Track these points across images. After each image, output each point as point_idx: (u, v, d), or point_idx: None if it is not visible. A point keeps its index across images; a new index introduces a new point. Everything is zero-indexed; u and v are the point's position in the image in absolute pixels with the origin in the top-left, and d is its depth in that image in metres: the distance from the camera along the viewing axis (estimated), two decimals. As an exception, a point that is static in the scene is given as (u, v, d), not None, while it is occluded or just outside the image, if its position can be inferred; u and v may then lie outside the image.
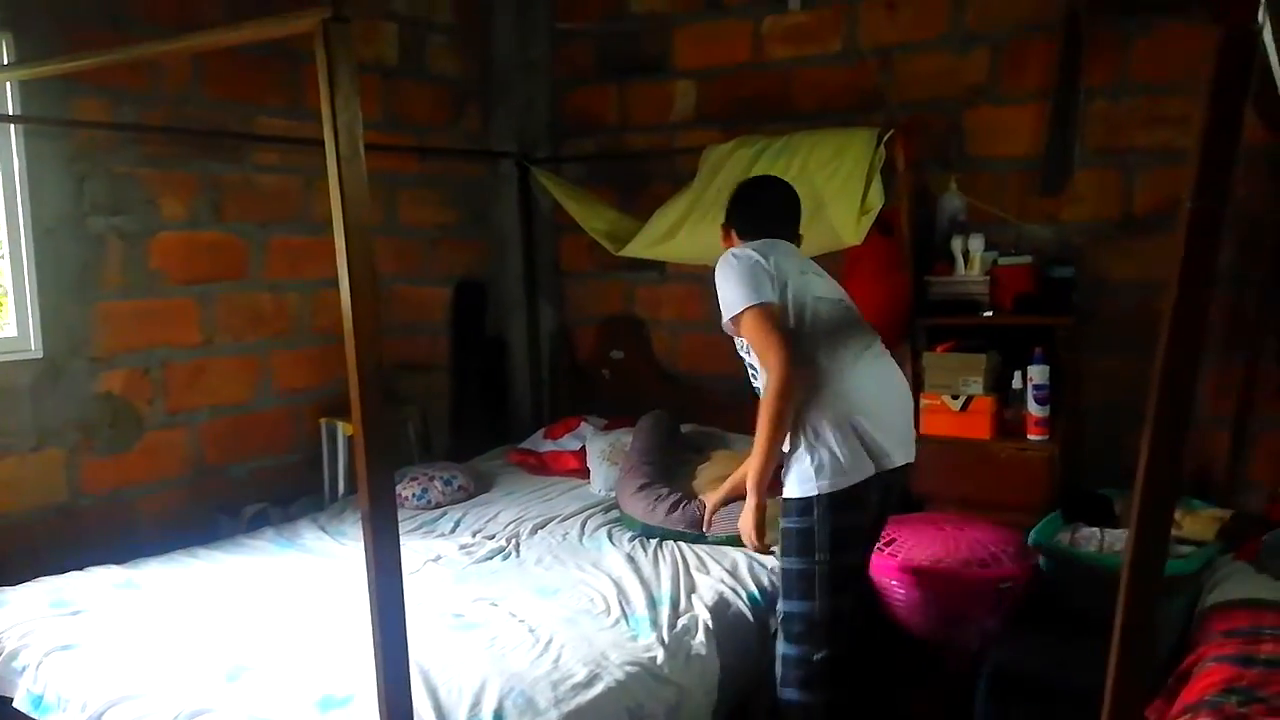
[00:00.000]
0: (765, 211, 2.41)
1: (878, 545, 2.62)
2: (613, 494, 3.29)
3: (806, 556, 2.20)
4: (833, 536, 2.19)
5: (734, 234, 2.41)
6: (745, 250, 2.26)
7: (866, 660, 2.55)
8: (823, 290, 2.32)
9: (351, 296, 1.39)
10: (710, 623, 2.32)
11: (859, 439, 2.19)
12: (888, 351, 2.39)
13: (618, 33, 3.89)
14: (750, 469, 2.24)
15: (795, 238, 2.43)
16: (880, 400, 2.27)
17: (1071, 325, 2.97)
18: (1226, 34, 1.01)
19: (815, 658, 2.23)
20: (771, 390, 2.15)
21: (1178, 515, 2.69)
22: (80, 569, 2.54)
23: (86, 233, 2.77)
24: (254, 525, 3.08)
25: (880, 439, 2.22)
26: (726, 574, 2.57)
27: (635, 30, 3.86)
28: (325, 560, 2.70)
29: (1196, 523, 2.68)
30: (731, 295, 2.20)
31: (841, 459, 2.17)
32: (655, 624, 2.27)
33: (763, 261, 2.22)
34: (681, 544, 2.76)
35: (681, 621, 2.30)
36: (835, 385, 2.21)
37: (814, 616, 2.22)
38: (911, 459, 2.35)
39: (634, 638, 2.21)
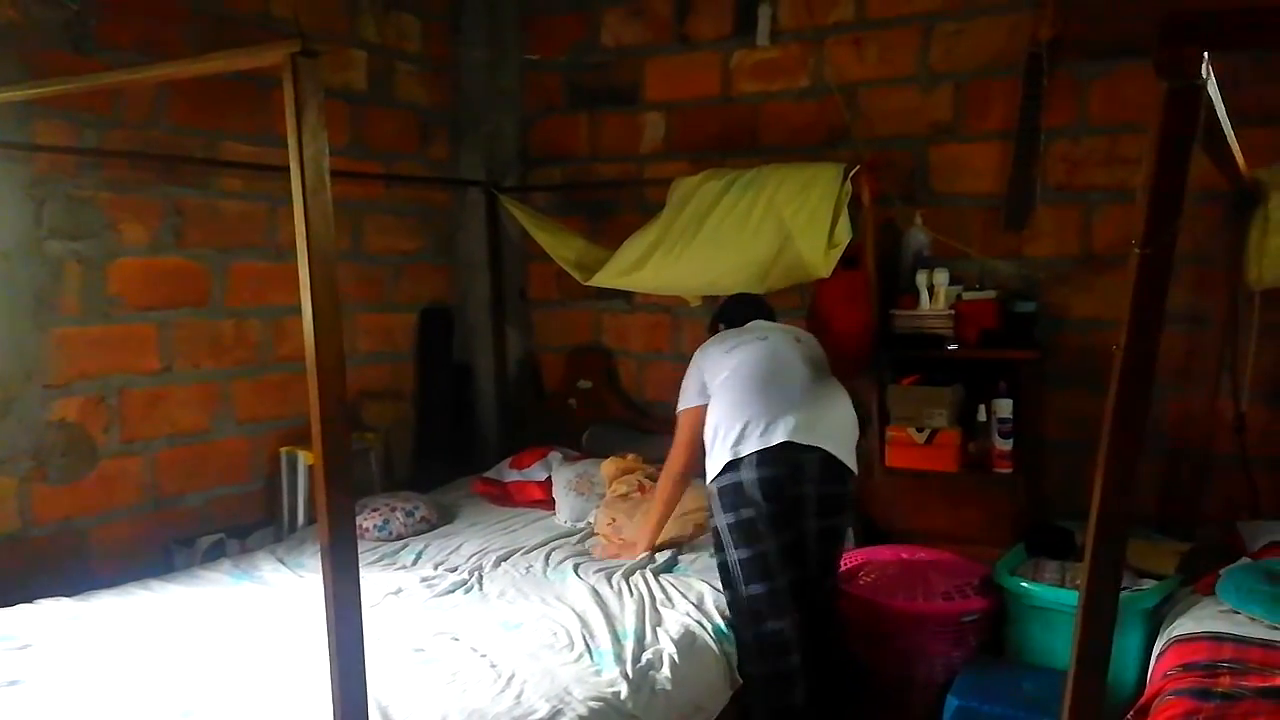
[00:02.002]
0: (751, 305, 2.95)
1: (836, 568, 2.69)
2: (579, 525, 3.27)
3: (719, 552, 2.52)
4: (730, 531, 2.47)
5: (720, 326, 2.93)
6: (706, 346, 2.78)
7: (830, 691, 2.55)
8: (762, 354, 2.65)
9: (315, 330, 1.37)
10: (675, 656, 2.30)
11: (740, 434, 2.49)
12: (832, 386, 2.68)
13: (588, 64, 3.92)
14: (641, 539, 2.89)
15: (767, 314, 2.92)
16: (783, 410, 2.50)
17: (1034, 360, 3.01)
18: (1171, 89, 1.04)
19: (743, 640, 2.47)
20: (668, 476, 2.81)
21: (1138, 548, 2.72)
22: (29, 601, 2.47)
23: (44, 257, 2.72)
24: (210, 557, 3.02)
25: (766, 428, 2.47)
26: (693, 607, 2.56)
27: (605, 62, 3.89)
28: (283, 593, 2.65)
29: (1156, 555, 2.71)
30: (681, 393, 2.79)
31: (724, 449, 2.50)
32: (619, 658, 2.24)
33: (707, 360, 2.72)
34: (648, 576, 2.75)
35: (646, 656, 2.28)
36: (745, 420, 2.51)
37: (734, 604, 2.49)
38: (823, 446, 2.49)
39: (598, 672, 2.18)
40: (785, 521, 2.47)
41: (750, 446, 2.46)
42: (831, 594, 2.64)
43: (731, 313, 2.94)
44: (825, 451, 2.49)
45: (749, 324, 2.83)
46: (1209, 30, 1.11)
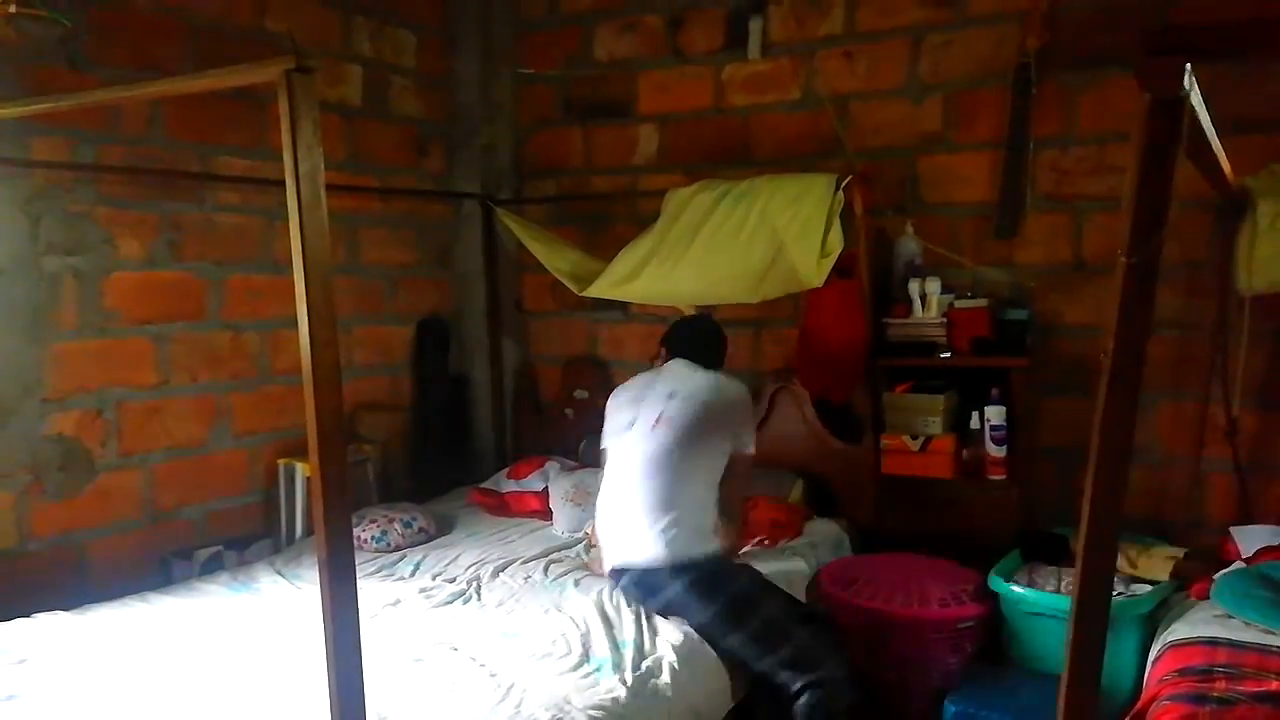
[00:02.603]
0: (681, 338, 2.92)
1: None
2: (576, 535, 3.28)
3: None
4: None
5: (662, 350, 2.93)
6: (619, 391, 2.92)
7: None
8: (619, 456, 2.77)
9: (311, 344, 1.39)
10: (675, 663, 2.30)
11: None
12: (656, 477, 2.65)
13: (582, 77, 3.95)
14: None
15: (702, 359, 2.84)
16: (607, 531, 2.74)
17: (1026, 367, 3.03)
18: (1155, 100, 1.06)
19: None
20: None
21: (1133, 554, 2.74)
22: (27, 616, 2.46)
23: (41, 272, 2.73)
24: (208, 569, 3.02)
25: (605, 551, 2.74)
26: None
27: (598, 75, 3.92)
28: (281, 605, 2.65)
29: (1151, 561, 2.73)
30: None
31: None
32: (618, 666, 2.25)
33: (609, 408, 2.90)
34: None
35: (645, 663, 2.28)
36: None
37: None
38: (624, 565, 2.64)
39: (597, 681, 2.18)
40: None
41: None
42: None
43: (674, 338, 2.92)
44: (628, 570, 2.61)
45: (665, 367, 2.85)
46: (1191, 41, 1.13)
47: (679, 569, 2.53)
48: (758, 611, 2.44)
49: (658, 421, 2.70)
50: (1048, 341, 3.16)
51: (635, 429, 2.74)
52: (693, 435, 2.66)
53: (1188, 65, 1.15)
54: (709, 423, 2.69)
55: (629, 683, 2.17)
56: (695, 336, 2.92)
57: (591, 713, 2.03)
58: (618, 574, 2.66)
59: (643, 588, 2.58)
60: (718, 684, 2.40)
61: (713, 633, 2.44)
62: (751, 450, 2.76)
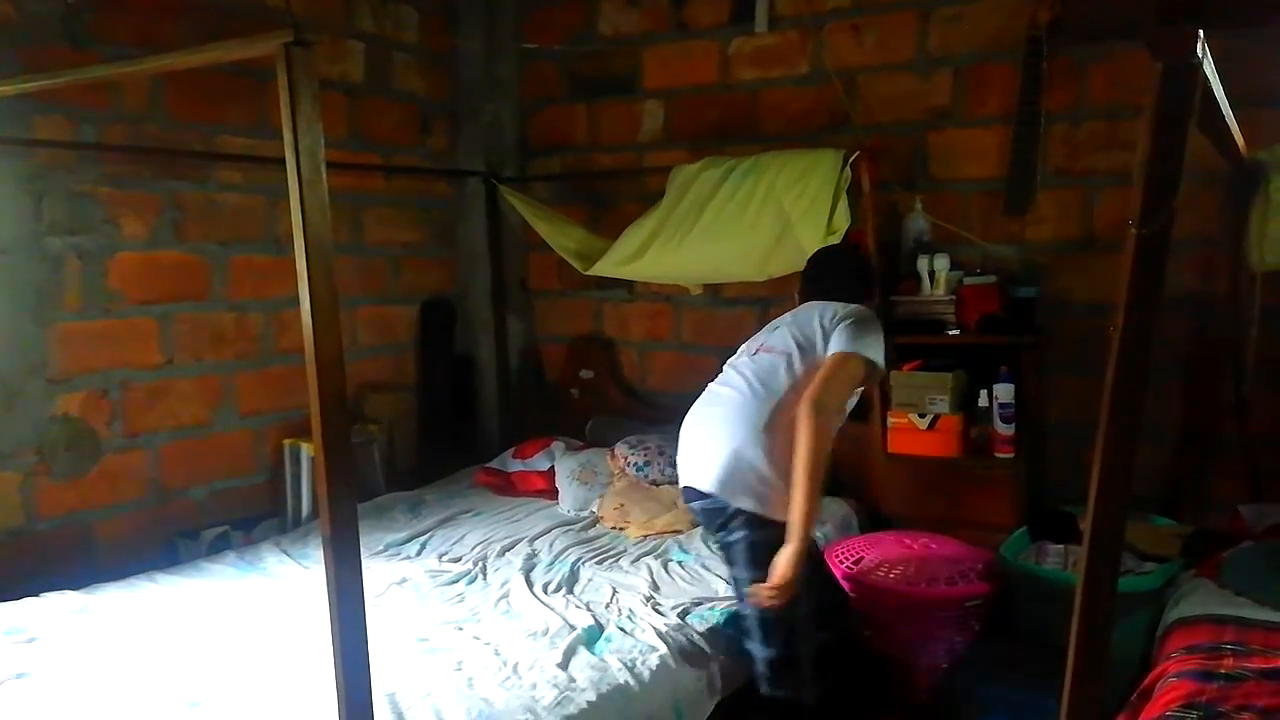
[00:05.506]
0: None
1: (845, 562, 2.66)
2: (582, 514, 3.28)
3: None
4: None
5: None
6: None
7: (835, 677, 2.55)
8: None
9: (313, 321, 1.37)
10: (680, 637, 2.31)
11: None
12: (730, 395, 2.44)
13: (586, 53, 3.91)
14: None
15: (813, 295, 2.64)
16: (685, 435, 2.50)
17: (1035, 344, 3.01)
18: (1167, 68, 1.03)
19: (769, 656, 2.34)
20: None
21: (1141, 531, 2.73)
22: (35, 595, 2.48)
23: (44, 252, 2.72)
24: (215, 549, 3.03)
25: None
26: (694, 589, 2.57)
27: (603, 51, 3.88)
28: (288, 584, 2.66)
29: (1159, 539, 2.71)
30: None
31: None
32: (625, 644, 2.25)
33: None
34: (651, 560, 2.75)
35: (652, 641, 2.28)
36: None
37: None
38: (696, 484, 2.39)
39: (603, 659, 2.19)
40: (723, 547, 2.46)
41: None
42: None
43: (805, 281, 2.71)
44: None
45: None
46: (1204, 8, 1.10)
47: (736, 513, 2.31)
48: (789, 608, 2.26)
49: (756, 350, 2.49)
50: (1057, 319, 3.13)
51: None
52: (772, 364, 2.42)
53: (1200, 33, 1.12)
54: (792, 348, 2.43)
55: (636, 659, 2.18)
56: (821, 274, 2.67)
57: (599, 689, 2.04)
58: (688, 494, 2.44)
59: (709, 519, 2.41)
60: (721, 655, 2.39)
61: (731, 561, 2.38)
62: (845, 353, 2.31)
